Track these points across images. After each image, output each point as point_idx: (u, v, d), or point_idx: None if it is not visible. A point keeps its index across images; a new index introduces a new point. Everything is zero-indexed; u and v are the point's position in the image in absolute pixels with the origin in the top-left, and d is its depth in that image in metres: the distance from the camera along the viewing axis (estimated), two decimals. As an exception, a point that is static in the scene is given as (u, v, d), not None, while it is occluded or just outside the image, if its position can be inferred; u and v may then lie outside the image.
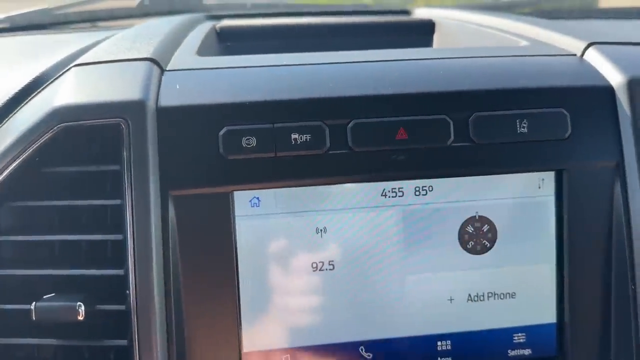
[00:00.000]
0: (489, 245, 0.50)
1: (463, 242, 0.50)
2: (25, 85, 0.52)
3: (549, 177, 0.50)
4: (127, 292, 0.44)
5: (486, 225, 0.50)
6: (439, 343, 0.50)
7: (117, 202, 0.45)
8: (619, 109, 0.50)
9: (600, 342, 0.51)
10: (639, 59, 0.54)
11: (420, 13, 0.88)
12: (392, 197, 0.49)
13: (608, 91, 0.51)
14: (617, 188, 0.50)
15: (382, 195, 0.49)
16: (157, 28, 0.64)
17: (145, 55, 0.51)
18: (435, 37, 0.80)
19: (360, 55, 0.53)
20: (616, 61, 0.52)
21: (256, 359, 0.49)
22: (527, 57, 0.55)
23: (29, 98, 0.50)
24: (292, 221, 0.48)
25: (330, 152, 0.47)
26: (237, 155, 0.46)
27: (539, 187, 0.50)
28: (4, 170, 0.45)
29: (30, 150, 0.45)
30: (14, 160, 0.45)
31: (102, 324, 0.46)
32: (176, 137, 0.46)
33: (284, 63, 0.51)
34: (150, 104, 0.46)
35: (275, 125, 0.46)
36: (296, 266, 0.49)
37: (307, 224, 0.48)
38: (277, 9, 0.98)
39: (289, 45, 0.69)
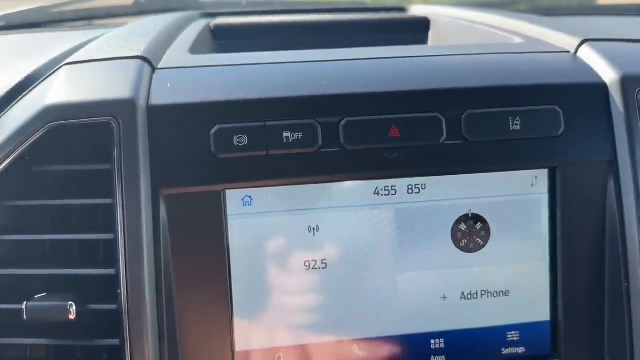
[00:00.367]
0: (482, 243, 0.50)
1: (456, 240, 0.50)
2: (16, 84, 0.51)
3: (542, 174, 0.50)
4: (119, 291, 0.44)
5: (479, 223, 0.50)
6: (432, 341, 0.50)
7: (108, 201, 0.45)
8: (612, 106, 0.50)
9: (594, 339, 0.51)
10: (632, 56, 0.54)
11: (416, 10, 0.87)
12: (385, 195, 0.49)
13: (601, 88, 0.50)
14: (611, 185, 0.50)
15: (374, 193, 0.49)
16: (150, 26, 0.64)
17: (136, 54, 0.51)
18: (431, 34, 0.80)
19: (352, 53, 0.53)
20: (610, 58, 0.52)
21: (249, 357, 0.48)
22: (520, 54, 0.55)
23: (20, 97, 0.50)
24: (285, 220, 0.48)
25: (323, 150, 0.47)
26: (228, 153, 0.46)
27: (532, 185, 0.50)
28: (-5, 169, 0.45)
29: (21, 149, 0.45)
30: (4, 159, 0.45)
31: (94, 324, 0.46)
32: (167, 135, 0.45)
33: (276, 61, 0.51)
34: (141, 102, 0.46)
35: (267, 123, 0.46)
36: (289, 265, 0.48)
37: (299, 222, 0.48)
38: (273, 7, 0.97)
39: (284, 43, 0.69)
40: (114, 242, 0.45)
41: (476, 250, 0.50)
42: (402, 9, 0.90)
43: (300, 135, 0.46)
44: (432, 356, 0.50)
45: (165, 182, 0.45)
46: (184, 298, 0.46)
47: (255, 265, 0.48)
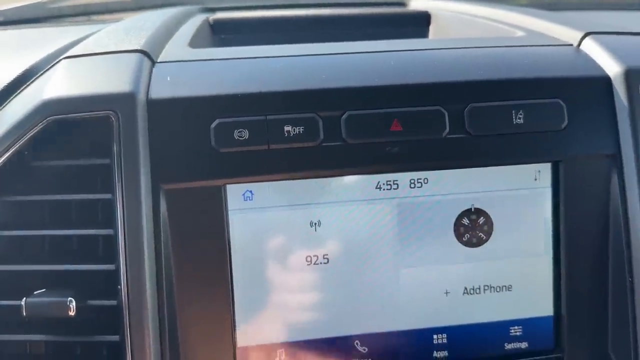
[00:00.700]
0: (484, 237, 0.50)
1: (459, 235, 0.49)
2: (14, 78, 0.51)
3: (545, 168, 0.50)
4: (119, 287, 0.44)
5: (482, 218, 0.49)
6: (434, 336, 0.50)
7: (108, 196, 0.45)
8: (615, 99, 0.50)
9: (597, 334, 0.50)
10: (636, 49, 0.53)
11: (416, 5, 0.87)
12: (387, 189, 0.49)
13: (605, 81, 0.50)
14: (614, 179, 0.49)
15: (376, 187, 0.48)
16: (150, 20, 0.64)
17: (135, 47, 0.50)
18: (431, 28, 0.79)
19: (353, 47, 0.53)
20: (613, 51, 0.52)
21: (251, 354, 0.48)
22: (523, 48, 0.54)
23: (19, 91, 0.49)
24: (286, 214, 0.48)
25: (324, 144, 0.47)
26: (229, 148, 0.45)
27: (535, 179, 0.50)
28: (-6, 163, 0.45)
29: (19, 144, 0.45)
30: (3, 153, 0.45)
31: (94, 320, 0.46)
32: (167, 129, 0.45)
33: (277, 54, 0.51)
34: (141, 96, 0.45)
35: (267, 117, 0.46)
36: (290, 260, 0.48)
37: (301, 217, 0.48)
38: (273, 1, 0.97)
39: (284, 38, 0.68)
40: (114, 237, 0.44)
41: (479, 245, 0.50)
42: (402, 4, 0.90)
43: (301, 129, 0.46)
44: (435, 351, 0.50)
45: (166, 177, 0.45)
46: (185, 294, 0.46)
47: (256, 260, 0.47)
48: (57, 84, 0.47)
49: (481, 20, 0.71)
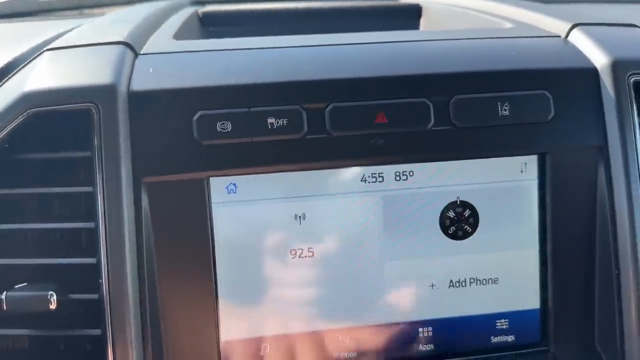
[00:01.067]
0: (470, 230, 0.49)
1: (444, 228, 0.49)
2: (-4, 71, 0.50)
3: (531, 160, 0.49)
4: (100, 281, 0.44)
5: (468, 210, 0.49)
6: (420, 329, 0.49)
7: (89, 189, 0.44)
8: (602, 90, 0.49)
9: (584, 327, 0.50)
10: (623, 40, 0.53)
11: (407, -3, 0.86)
12: (372, 182, 0.48)
13: (592, 73, 0.50)
14: (601, 171, 0.49)
15: (362, 180, 0.48)
16: (137, 13, 0.63)
17: (118, 39, 0.49)
18: (422, 21, 0.79)
19: (338, 38, 0.52)
20: (600, 42, 0.51)
21: (235, 348, 0.48)
22: (510, 39, 0.54)
23: (0, 83, 0.49)
24: (271, 208, 0.47)
25: (308, 136, 0.46)
26: (211, 140, 0.45)
27: (522, 171, 0.49)
28: (-26, 157, 0.44)
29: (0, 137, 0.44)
30: (-17, 147, 0.44)
31: (76, 314, 0.45)
32: (149, 122, 0.45)
33: (261, 46, 0.50)
34: (122, 88, 0.45)
35: (250, 109, 0.45)
36: (275, 253, 0.48)
37: (285, 210, 0.48)
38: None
39: (274, 30, 0.68)
40: (95, 230, 0.44)
41: (465, 238, 0.49)
42: (393, -4, 0.89)
43: (285, 122, 0.45)
44: (420, 345, 0.50)
45: (147, 170, 0.44)
46: (168, 288, 0.45)
47: (240, 254, 0.47)
48: (38, 76, 0.46)
49: (472, 12, 0.70)
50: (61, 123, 0.46)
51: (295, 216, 0.48)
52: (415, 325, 0.49)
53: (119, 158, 0.44)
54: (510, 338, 0.50)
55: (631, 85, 0.49)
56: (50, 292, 0.43)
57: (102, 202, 0.43)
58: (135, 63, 0.48)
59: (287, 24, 0.75)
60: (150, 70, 0.47)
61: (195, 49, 0.50)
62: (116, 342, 0.43)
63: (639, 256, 0.48)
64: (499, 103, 0.47)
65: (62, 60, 0.48)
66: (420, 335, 0.50)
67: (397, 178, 0.48)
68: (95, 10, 0.98)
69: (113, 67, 0.46)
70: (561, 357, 0.50)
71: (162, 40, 0.54)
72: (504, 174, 0.49)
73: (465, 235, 0.49)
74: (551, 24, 0.57)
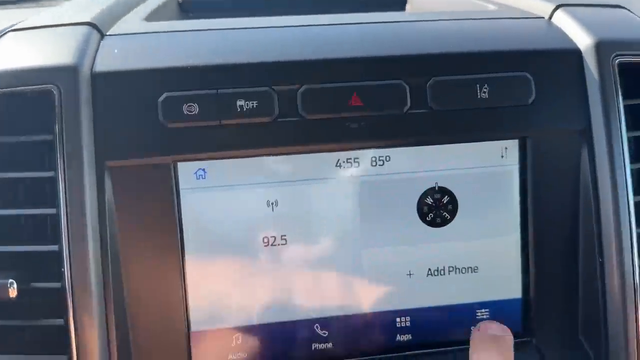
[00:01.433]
0: (449, 217, 0.48)
1: (422, 215, 0.47)
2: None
3: (512, 145, 0.48)
4: (62, 269, 0.42)
5: (446, 197, 0.48)
6: (397, 319, 0.48)
7: (50, 174, 0.43)
8: (586, 72, 0.48)
9: (567, 318, 0.49)
10: (608, 21, 0.51)
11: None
12: (348, 167, 0.47)
13: (575, 54, 0.48)
14: (584, 156, 0.47)
15: (336, 165, 0.47)
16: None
17: (84, 20, 0.48)
18: (408, 7, 0.77)
19: (312, 19, 0.50)
20: (584, 23, 0.49)
21: (205, 339, 0.46)
22: (491, 20, 0.52)
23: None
24: (242, 194, 0.46)
25: (280, 119, 0.44)
26: (178, 123, 0.43)
27: (502, 156, 0.48)
28: None
29: (-42, 120, 0.43)
30: (-60, 130, 0.43)
31: (39, 303, 0.44)
32: (112, 104, 0.43)
33: (232, 27, 0.49)
34: (85, 69, 0.43)
35: (219, 91, 0.44)
36: (246, 241, 0.46)
37: (257, 196, 0.46)
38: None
39: (254, 16, 0.66)
40: (56, 217, 0.42)
41: (443, 225, 0.48)
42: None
43: (255, 104, 0.44)
44: (398, 335, 0.48)
45: (110, 154, 0.43)
46: (133, 277, 0.44)
47: (210, 242, 0.46)
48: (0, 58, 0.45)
49: (457, -3, 0.69)
50: (22, 106, 0.44)
51: (268, 202, 0.46)
52: (393, 314, 0.48)
53: (80, 141, 0.42)
54: (490, 328, 0.49)
55: (616, 67, 0.47)
56: (10, 280, 0.41)
57: (64, 187, 0.42)
58: (101, 44, 0.46)
59: (269, 10, 0.73)
60: (115, 51, 0.45)
61: (165, 30, 0.48)
62: (79, 332, 0.42)
63: (623, 244, 0.46)
64: (477, 85, 0.46)
65: (24, 42, 0.46)
66: (398, 325, 0.48)
67: (373, 163, 0.47)
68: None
69: (76, 48, 0.44)
70: (544, 348, 0.49)
71: (132, 22, 0.52)
72: (484, 159, 0.48)
73: (444, 222, 0.48)
74: (535, 5, 0.55)
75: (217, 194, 0.45)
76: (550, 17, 0.52)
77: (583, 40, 0.48)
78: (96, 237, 0.42)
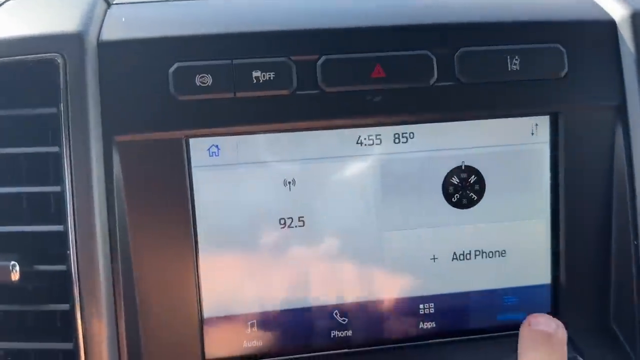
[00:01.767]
0: (476, 198, 0.45)
1: (447, 195, 0.45)
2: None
3: (543, 121, 0.45)
4: (68, 251, 0.39)
5: (473, 176, 0.45)
6: (421, 306, 0.46)
7: (55, 149, 0.40)
8: (621, 45, 0.45)
9: (598, 305, 0.47)
10: (644, -9, 0.48)
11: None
12: (369, 145, 0.44)
13: (609, 25, 0.45)
14: (619, 133, 0.45)
15: (357, 143, 0.44)
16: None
17: (90, -12, 0.45)
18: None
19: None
20: (619, -7, 0.47)
21: (218, 325, 0.44)
22: (520, -10, 0.50)
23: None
24: (257, 172, 0.43)
25: (298, 92, 0.42)
26: (190, 95, 0.41)
27: (532, 133, 0.45)
28: None
29: (-45, 92, 0.40)
30: (-63, 103, 0.40)
31: (44, 287, 0.41)
32: (120, 75, 0.40)
33: (247, -5, 0.46)
34: (91, 38, 0.40)
35: (233, 61, 0.41)
36: (262, 223, 0.44)
37: (273, 175, 0.43)
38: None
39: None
40: (61, 194, 0.39)
41: (470, 206, 0.45)
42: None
43: (272, 76, 0.41)
44: (421, 322, 0.46)
45: (119, 128, 0.40)
46: (143, 259, 0.41)
47: (224, 223, 0.43)
48: (0, 26, 0.42)
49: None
50: (24, 76, 0.41)
51: (285, 182, 0.44)
52: (416, 301, 0.45)
53: (87, 114, 0.39)
54: (518, 316, 0.46)
55: (653, 39, 0.45)
56: (13, 262, 0.39)
57: (69, 163, 0.39)
58: (107, 12, 0.43)
59: None
60: (123, 20, 0.42)
61: (175, -1, 0.46)
62: (85, 317, 0.39)
63: (660, 226, 0.44)
64: (508, 57, 0.43)
65: (27, 9, 0.44)
66: (421, 312, 0.46)
67: (396, 140, 0.44)
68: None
69: (82, 16, 0.41)
70: (574, 337, 0.46)
71: (139, -9, 0.49)
72: (513, 137, 0.45)
73: (471, 203, 0.45)
74: (564, -24, 0.53)
75: (231, 172, 0.43)
76: (582, -12, 0.50)
77: (618, 11, 0.46)
78: (103, 216, 0.40)
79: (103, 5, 0.44)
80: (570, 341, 0.46)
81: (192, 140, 0.42)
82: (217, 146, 0.43)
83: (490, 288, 0.46)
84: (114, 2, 0.45)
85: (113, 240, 0.40)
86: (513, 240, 0.46)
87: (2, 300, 0.41)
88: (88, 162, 0.39)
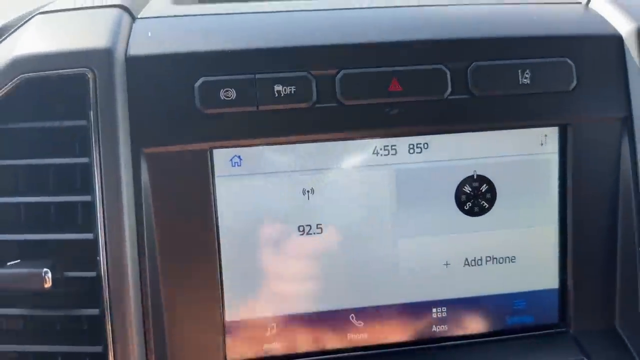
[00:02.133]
0: (487, 206, 0.47)
1: (460, 203, 0.47)
2: (-15, 36, 0.47)
3: (552, 132, 0.47)
4: (98, 258, 0.41)
5: (485, 185, 0.47)
6: (434, 310, 0.47)
7: (85, 160, 0.42)
8: (627, 59, 0.47)
9: (604, 308, 0.48)
10: (649, 6, 0.50)
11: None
12: (385, 155, 0.46)
13: (616, 40, 0.47)
14: (625, 144, 0.47)
15: (373, 153, 0.46)
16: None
17: (115, 2, 0.46)
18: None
19: (349, 2, 0.49)
20: (625, 9, 0.48)
21: (240, 328, 0.46)
22: (529, 5, 0.51)
23: (-11, 49, 0.46)
24: (277, 182, 0.45)
25: (317, 105, 0.43)
26: (214, 109, 0.42)
27: (542, 144, 0.47)
28: (-38, 127, 0.42)
29: (-11, 105, 0.41)
30: (-28, 115, 0.42)
31: (73, 292, 0.43)
32: (147, 89, 0.42)
33: (267, 10, 0.47)
34: (119, 52, 0.42)
35: (256, 76, 0.42)
36: (282, 230, 0.45)
37: (293, 184, 0.45)
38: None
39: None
40: (92, 204, 0.41)
41: (481, 214, 0.47)
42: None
43: (293, 89, 0.43)
44: (434, 325, 0.47)
45: (146, 140, 0.42)
46: (169, 265, 0.43)
47: (246, 230, 0.45)
48: (29, 41, 0.43)
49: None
50: (55, 90, 0.43)
51: (304, 190, 0.45)
52: (429, 305, 0.47)
53: (116, 127, 0.41)
54: (527, 319, 0.48)
55: (658, 54, 0.46)
56: (45, 269, 0.41)
57: (99, 173, 0.41)
58: (133, 27, 0.45)
59: None
60: (149, 35, 0.44)
61: (197, 13, 0.47)
62: (115, 321, 0.41)
63: (664, 234, 0.46)
64: (519, 71, 0.45)
65: (56, 24, 0.45)
66: (434, 315, 0.47)
67: (411, 150, 0.46)
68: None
69: (109, 31, 0.43)
70: (581, 339, 0.48)
71: (160, 4, 0.51)
72: (523, 147, 0.47)
73: (482, 211, 0.47)
74: (571, -10, 0.54)
75: (252, 181, 0.44)
76: (588, 3, 0.51)
77: (624, 26, 0.47)
78: (132, 224, 0.41)
79: (128, 19, 0.45)
80: (577, 343, 0.48)
81: (215, 151, 0.44)
82: (239, 156, 0.44)
83: (500, 292, 0.48)
84: (139, 17, 0.46)
85: (141, 246, 0.42)
86: (522, 247, 0.48)
87: (32, 305, 0.43)
88: (117, 172, 0.41)
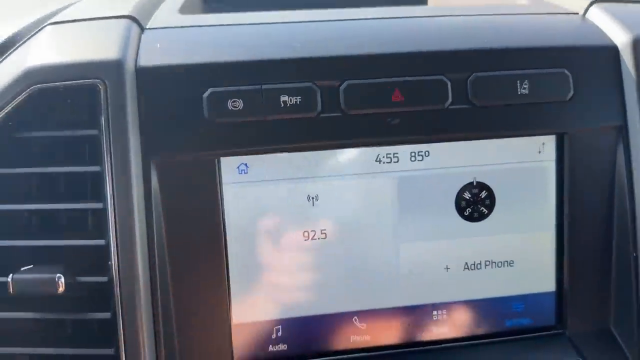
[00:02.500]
0: (486, 212, 0.48)
1: (460, 209, 0.48)
2: (-4, 46, 0.48)
3: (549, 141, 0.48)
4: (109, 263, 0.42)
5: (484, 192, 0.48)
6: (434, 312, 0.49)
7: (96, 168, 0.43)
8: (623, 69, 0.48)
9: (599, 311, 0.50)
10: (644, 18, 0.51)
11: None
12: (387, 162, 0.47)
13: (612, 51, 0.48)
14: (620, 152, 0.48)
15: (376, 161, 0.47)
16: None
17: (123, 13, 0.48)
18: (430, 2, 0.77)
19: (353, 13, 0.51)
20: (620, 20, 0.50)
21: (247, 331, 0.47)
22: (527, 16, 0.52)
23: (1, 59, 0.47)
24: (283, 188, 0.46)
25: (322, 115, 0.45)
26: (222, 118, 0.43)
27: (539, 152, 0.48)
28: (-24, 136, 0.43)
29: (2, 114, 0.42)
30: (-15, 125, 0.43)
31: (85, 297, 0.44)
32: (157, 99, 0.43)
33: (273, 21, 0.49)
34: (129, 63, 0.43)
35: (263, 86, 0.44)
36: (287, 235, 0.47)
37: (298, 191, 0.46)
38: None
39: (278, 8, 0.66)
40: (103, 211, 0.42)
41: (480, 220, 0.48)
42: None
43: (298, 100, 0.44)
44: (435, 327, 0.49)
45: (156, 149, 0.43)
46: (178, 269, 0.44)
47: (252, 235, 0.46)
48: (41, 51, 0.45)
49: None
50: (66, 100, 0.44)
51: (308, 197, 0.46)
52: (430, 308, 0.49)
53: (127, 136, 0.42)
54: (525, 321, 0.50)
55: (652, 64, 0.48)
56: (58, 274, 0.42)
57: (111, 181, 0.42)
58: (142, 38, 0.46)
59: (293, 3, 0.72)
60: (158, 46, 0.45)
61: (204, 24, 0.48)
62: (127, 325, 0.42)
63: (657, 239, 0.47)
64: (518, 81, 0.46)
65: (66, 35, 0.46)
66: (435, 318, 0.49)
67: (413, 158, 0.47)
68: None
69: (119, 42, 0.44)
70: (577, 340, 0.49)
71: (168, 14, 0.52)
72: (522, 155, 0.48)
73: (482, 217, 0.48)
74: (568, 1, 0.55)
75: (258, 188, 0.46)
76: (585, 13, 0.52)
77: (619, 37, 0.49)
78: (143, 230, 0.43)
79: (137, 30, 0.46)
80: (573, 344, 0.49)
81: (223, 159, 0.45)
82: (245, 164, 0.46)
83: (499, 295, 0.49)
84: (147, 27, 0.47)
85: (151, 252, 0.43)
86: (520, 251, 0.49)
87: (44, 309, 0.44)
88: (128, 180, 0.42)
